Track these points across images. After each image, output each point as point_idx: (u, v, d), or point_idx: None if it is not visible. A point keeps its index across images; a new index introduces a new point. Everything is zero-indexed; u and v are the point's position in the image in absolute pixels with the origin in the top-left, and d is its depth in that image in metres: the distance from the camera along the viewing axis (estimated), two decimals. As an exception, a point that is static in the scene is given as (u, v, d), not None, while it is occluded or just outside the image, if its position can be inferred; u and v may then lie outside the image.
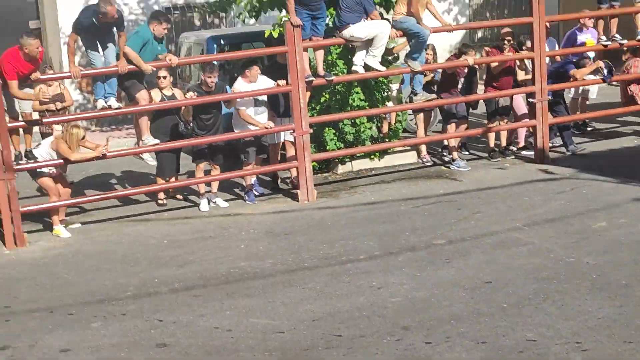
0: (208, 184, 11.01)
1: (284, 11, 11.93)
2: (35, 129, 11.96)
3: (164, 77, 10.79)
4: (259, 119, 10.87)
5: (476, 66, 12.19)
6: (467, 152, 12.85)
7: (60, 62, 17.15)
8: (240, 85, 10.85)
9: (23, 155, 11.48)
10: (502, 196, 10.42)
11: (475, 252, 8.36)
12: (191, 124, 10.77)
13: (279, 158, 11.66)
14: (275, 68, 11.38)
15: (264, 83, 10.95)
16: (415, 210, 10.09)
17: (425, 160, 12.33)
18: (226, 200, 11.02)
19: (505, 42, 12.20)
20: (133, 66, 10.10)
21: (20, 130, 11.39)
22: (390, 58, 12.06)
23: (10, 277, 8.67)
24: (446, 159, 12.38)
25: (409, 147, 12.43)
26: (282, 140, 11.43)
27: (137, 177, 12.36)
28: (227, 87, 11.53)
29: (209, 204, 10.83)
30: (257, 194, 11.16)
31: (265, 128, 10.79)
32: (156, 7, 17.77)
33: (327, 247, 8.84)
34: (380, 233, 9.23)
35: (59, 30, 17.20)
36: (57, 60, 17.73)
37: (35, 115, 11.64)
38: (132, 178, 12.46)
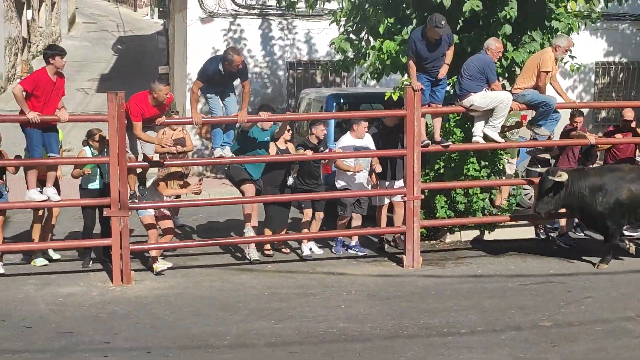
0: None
1: (405, 75, 11.95)
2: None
3: (288, 131, 11.00)
4: (358, 174, 11.10)
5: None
6: (582, 234, 12.44)
7: (184, 107, 17.68)
8: (347, 139, 11.15)
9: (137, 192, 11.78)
10: (615, 282, 9.99)
11: (583, 338, 8.00)
12: (297, 178, 11.17)
13: (385, 220, 11.58)
14: (383, 131, 11.46)
15: (369, 141, 11.21)
16: (523, 287, 9.78)
17: (541, 232, 12.03)
18: (332, 259, 11.07)
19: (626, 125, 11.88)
20: (253, 117, 10.35)
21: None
22: (507, 133, 11.83)
23: (114, 313, 8.84)
24: (553, 234, 12.07)
25: (521, 223, 12.13)
26: (387, 203, 11.42)
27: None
28: (332, 145, 11.75)
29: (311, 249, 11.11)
30: (361, 254, 11.16)
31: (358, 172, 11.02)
32: (281, 62, 18.19)
33: (428, 317, 8.65)
34: (485, 308, 8.97)
35: (186, 76, 17.78)
36: (181, 105, 18.29)
37: (156, 158, 11.95)
38: (239, 226, 12.56)
